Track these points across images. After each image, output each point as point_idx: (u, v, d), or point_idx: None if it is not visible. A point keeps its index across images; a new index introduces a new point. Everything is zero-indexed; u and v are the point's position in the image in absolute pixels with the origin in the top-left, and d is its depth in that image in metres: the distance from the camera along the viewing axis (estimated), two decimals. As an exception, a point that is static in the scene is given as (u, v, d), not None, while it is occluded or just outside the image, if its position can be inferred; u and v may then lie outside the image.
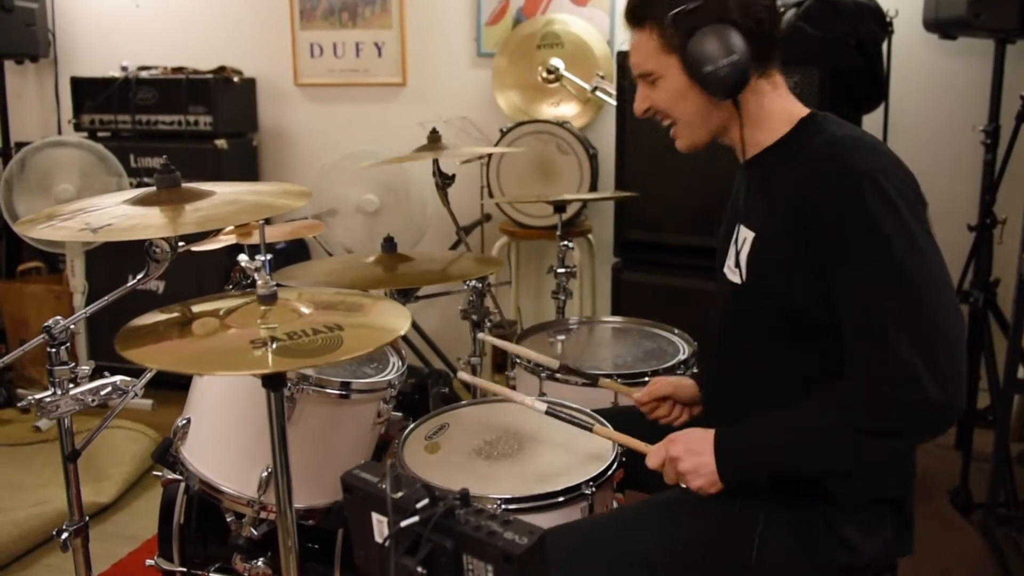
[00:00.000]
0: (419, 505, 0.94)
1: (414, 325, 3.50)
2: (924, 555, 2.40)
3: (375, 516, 1.00)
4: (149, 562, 1.89)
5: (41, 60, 3.95)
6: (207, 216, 1.36)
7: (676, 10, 1.28)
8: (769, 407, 1.32)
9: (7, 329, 3.82)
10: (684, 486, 1.34)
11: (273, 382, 1.20)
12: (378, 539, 0.99)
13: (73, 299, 3.50)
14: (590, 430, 1.50)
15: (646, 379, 1.96)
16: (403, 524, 0.93)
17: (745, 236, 1.37)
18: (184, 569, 1.87)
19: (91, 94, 3.63)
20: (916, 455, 1.40)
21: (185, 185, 1.45)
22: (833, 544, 1.31)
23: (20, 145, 3.50)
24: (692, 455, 1.32)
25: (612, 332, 2.37)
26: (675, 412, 1.66)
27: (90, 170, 3.38)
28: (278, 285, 1.33)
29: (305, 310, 1.26)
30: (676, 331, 2.25)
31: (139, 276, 1.46)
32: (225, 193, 1.46)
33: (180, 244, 1.45)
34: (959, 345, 1.18)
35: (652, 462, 1.37)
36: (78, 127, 3.68)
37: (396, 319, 1.30)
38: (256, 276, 1.20)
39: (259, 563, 1.71)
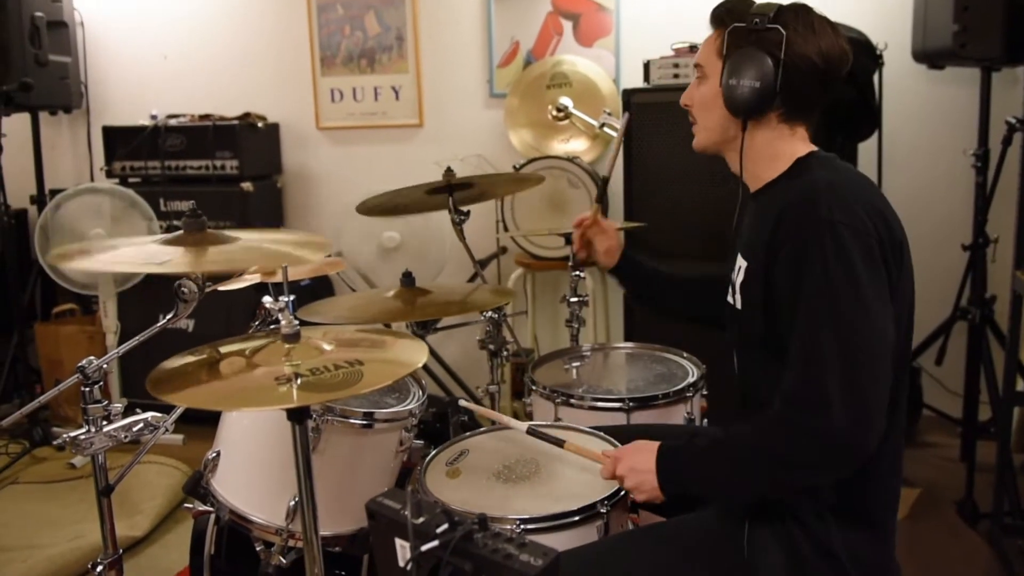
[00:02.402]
0: (439, 530, 0.98)
1: (435, 356, 3.58)
2: (933, 566, 2.46)
3: (398, 541, 1.03)
4: (182, 593, 1.95)
5: (74, 111, 4.08)
6: (232, 259, 1.44)
7: (740, 25, 1.40)
8: None
9: (43, 369, 3.92)
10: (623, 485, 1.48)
11: (298, 415, 1.26)
12: (402, 563, 1.03)
13: (106, 339, 3.58)
14: (560, 446, 1.61)
15: (658, 402, 2.04)
16: (423, 548, 0.97)
17: (740, 264, 1.46)
18: (215, 599, 1.88)
19: (122, 142, 3.77)
20: (900, 485, 1.44)
21: (209, 231, 1.53)
22: (823, 563, 1.36)
23: (54, 193, 3.61)
24: (635, 474, 1.44)
25: (624, 357, 2.43)
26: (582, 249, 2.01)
27: (122, 215, 3.47)
28: (303, 323, 1.41)
29: (327, 347, 1.33)
30: (685, 355, 2.30)
31: (169, 316, 1.53)
32: (248, 239, 1.54)
33: (207, 284, 1.54)
34: (880, 397, 1.24)
35: (604, 475, 1.50)
36: (110, 174, 3.81)
37: (413, 353, 1.37)
38: (280, 316, 1.28)
39: (288, 591, 1.73)
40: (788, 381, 1.27)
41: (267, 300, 1.28)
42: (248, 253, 1.50)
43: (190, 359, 1.41)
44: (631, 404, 2.01)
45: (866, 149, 3.16)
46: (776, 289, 1.33)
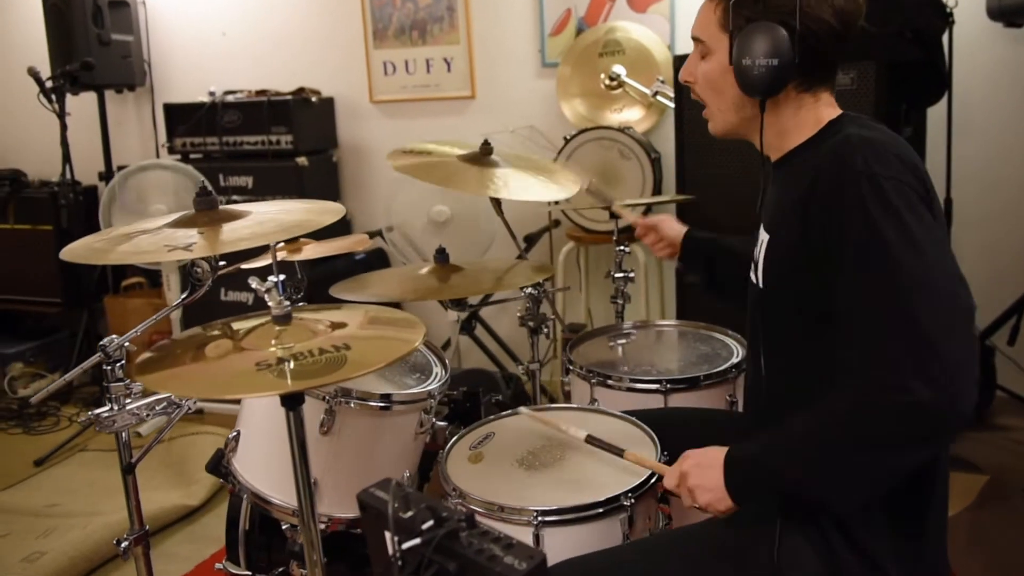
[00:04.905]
0: (424, 527, 0.94)
1: (488, 329, 3.56)
2: (1000, 556, 2.33)
3: (387, 534, 1.00)
4: (218, 566, 1.96)
5: (138, 89, 4.18)
6: (246, 236, 1.42)
7: None
8: (800, 407, 1.28)
9: (113, 341, 4.06)
10: (699, 506, 1.31)
11: (290, 401, 1.24)
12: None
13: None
14: (621, 455, 1.48)
15: (699, 384, 1.95)
16: (404, 546, 0.94)
17: (762, 239, 1.37)
18: (249, 573, 1.91)
19: (182, 119, 3.83)
20: (947, 468, 1.31)
21: (222, 207, 1.52)
22: (858, 564, 1.26)
23: (121, 169, 3.69)
24: (700, 469, 1.30)
25: (669, 335, 2.36)
26: (659, 242, 1.97)
27: (183, 190, 3.53)
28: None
29: (321, 328, 1.29)
30: (731, 333, 2.22)
31: (183, 296, 1.54)
32: (260, 213, 1.52)
33: (221, 264, 1.53)
34: (957, 347, 1.10)
35: (668, 483, 1.36)
36: (171, 150, 3.89)
37: (410, 335, 1.31)
38: (267, 298, 1.24)
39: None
40: (848, 357, 1.15)
41: (253, 281, 1.23)
42: (262, 227, 1.47)
43: (182, 338, 1.40)
44: (668, 386, 1.94)
45: (935, 115, 2.98)
46: (812, 252, 1.22)
